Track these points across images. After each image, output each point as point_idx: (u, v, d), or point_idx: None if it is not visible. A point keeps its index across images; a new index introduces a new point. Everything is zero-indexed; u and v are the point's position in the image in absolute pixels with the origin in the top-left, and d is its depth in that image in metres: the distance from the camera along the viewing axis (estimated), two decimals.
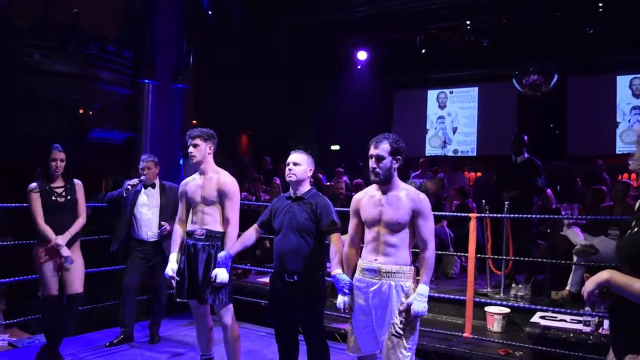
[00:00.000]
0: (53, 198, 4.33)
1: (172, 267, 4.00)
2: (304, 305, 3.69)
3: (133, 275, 5.09)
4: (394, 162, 3.28)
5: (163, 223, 5.06)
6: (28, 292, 6.21)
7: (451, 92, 14.20)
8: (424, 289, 3.19)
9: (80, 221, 4.46)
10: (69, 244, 4.31)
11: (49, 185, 4.35)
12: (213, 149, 4.05)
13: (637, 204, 1.97)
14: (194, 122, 10.70)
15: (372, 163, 3.28)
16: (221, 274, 3.79)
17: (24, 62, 9.36)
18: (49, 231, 4.25)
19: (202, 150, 3.99)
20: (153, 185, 5.17)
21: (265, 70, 12.31)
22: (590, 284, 1.79)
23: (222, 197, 3.94)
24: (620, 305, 1.77)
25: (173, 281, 4.00)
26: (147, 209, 5.10)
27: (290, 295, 3.68)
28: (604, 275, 1.75)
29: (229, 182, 3.97)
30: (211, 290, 3.87)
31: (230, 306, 3.99)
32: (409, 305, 3.15)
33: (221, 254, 3.83)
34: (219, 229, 3.98)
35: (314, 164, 3.83)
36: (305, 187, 3.76)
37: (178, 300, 5.59)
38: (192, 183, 4.09)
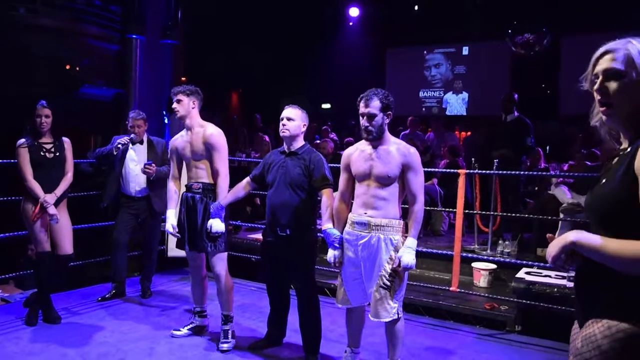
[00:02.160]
0: (42, 153, 4.30)
1: (171, 222, 4.11)
2: (295, 259, 3.75)
3: (123, 231, 5.11)
4: (385, 118, 3.28)
5: (150, 161, 5.02)
6: (19, 248, 6.24)
7: (444, 51, 14.07)
8: (412, 242, 3.25)
9: (68, 178, 4.43)
10: (56, 203, 4.30)
11: (37, 141, 4.31)
12: (197, 104, 4.09)
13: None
14: (183, 78, 10.58)
15: (364, 121, 3.28)
16: (216, 224, 3.85)
17: (8, 16, 9.14)
18: (37, 188, 4.23)
19: (185, 105, 4.04)
20: (141, 141, 5.15)
21: (256, 27, 12.11)
22: (554, 248, 1.59)
23: (209, 150, 3.98)
24: (586, 268, 1.61)
25: (174, 236, 4.12)
26: (135, 164, 5.09)
27: (283, 249, 3.74)
28: (570, 236, 1.55)
29: (215, 134, 3.99)
30: (208, 239, 3.95)
31: (224, 256, 4.06)
32: (399, 259, 3.21)
33: (213, 205, 3.89)
34: (212, 181, 4.03)
35: (308, 119, 3.84)
36: (299, 142, 3.78)
37: (169, 255, 5.70)
38: (180, 140, 4.16)
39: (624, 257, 1.46)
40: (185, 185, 4.15)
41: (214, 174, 4.00)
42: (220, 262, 4.04)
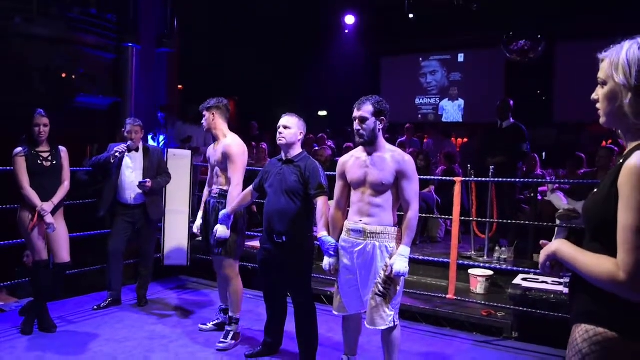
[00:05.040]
0: (39, 162, 4.30)
1: (197, 224, 4.51)
2: (291, 266, 3.75)
3: (118, 239, 5.09)
4: (378, 123, 3.30)
5: (146, 179, 5.06)
6: (14, 257, 6.21)
7: (439, 58, 14.13)
8: (405, 250, 3.25)
9: (65, 186, 4.44)
10: (53, 211, 4.30)
11: (34, 149, 4.31)
12: (217, 116, 4.37)
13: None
14: (180, 87, 10.58)
15: (356, 125, 3.33)
16: (220, 230, 4.08)
17: (4, 26, 9.14)
18: (34, 196, 4.23)
19: (207, 119, 4.40)
20: (137, 149, 5.15)
21: (252, 35, 12.14)
22: (541, 255, 1.73)
23: (226, 159, 4.25)
24: (574, 276, 1.68)
25: (198, 237, 4.56)
26: (131, 171, 5.09)
27: (279, 256, 3.74)
28: (552, 246, 1.69)
29: (232, 145, 4.26)
30: (216, 243, 4.19)
31: (232, 261, 4.30)
32: (391, 266, 3.21)
33: (221, 212, 4.11)
34: (228, 188, 4.28)
35: (305, 127, 3.87)
36: (296, 150, 3.81)
37: (166, 264, 5.70)
38: (211, 148, 4.52)
39: (589, 272, 1.56)
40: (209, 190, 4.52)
41: (228, 182, 4.27)
42: (229, 266, 4.29)
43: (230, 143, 4.26)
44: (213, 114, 4.35)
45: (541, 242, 1.80)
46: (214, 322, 4.64)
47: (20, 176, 4.24)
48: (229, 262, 4.27)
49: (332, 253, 3.45)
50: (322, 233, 3.53)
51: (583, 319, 1.64)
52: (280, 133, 3.77)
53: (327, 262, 3.48)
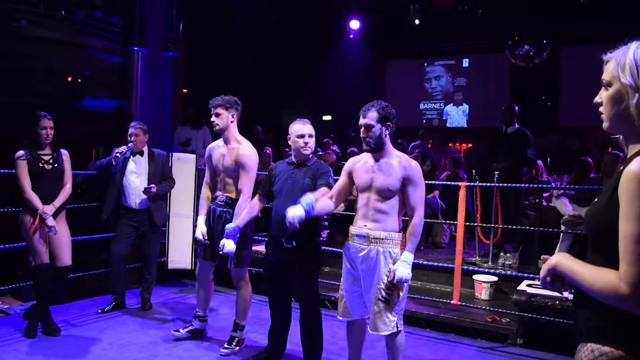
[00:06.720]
0: (40, 165, 4.30)
1: (201, 229, 4.18)
2: (300, 270, 3.74)
3: (121, 243, 5.07)
4: (384, 129, 3.29)
5: (151, 185, 5.04)
6: (17, 260, 6.22)
7: (444, 63, 14.11)
8: (408, 256, 3.24)
9: (67, 189, 4.43)
10: (55, 214, 4.30)
11: (36, 152, 4.32)
12: (236, 117, 4.13)
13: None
14: (185, 90, 10.59)
15: (362, 133, 3.32)
16: (228, 245, 3.88)
17: (10, 28, 9.18)
18: (35, 199, 4.22)
19: (224, 119, 4.09)
20: (141, 153, 5.13)
21: (257, 39, 12.15)
22: (542, 270, 1.67)
23: (239, 168, 4.03)
24: (578, 291, 1.61)
25: (203, 243, 4.20)
26: (136, 176, 5.07)
27: (287, 260, 3.73)
28: (553, 260, 1.62)
29: (247, 154, 4.04)
30: (223, 257, 4.02)
31: (242, 269, 4.16)
32: (394, 272, 3.20)
33: (229, 226, 3.91)
34: (237, 197, 4.09)
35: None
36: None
37: (170, 267, 5.68)
38: (216, 150, 4.20)
39: (590, 285, 1.49)
40: (212, 196, 4.26)
41: (238, 192, 4.07)
42: (240, 275, 4.17)
43: (245, 152, 4.03)
44: (233, 114, 4.10)
45: (542, 257, 1.74)
46: (188, 329, 4.47)
47: (22, 180, 4.25)
48: (241, 271, 4.16)
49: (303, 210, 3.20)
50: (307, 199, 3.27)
51: (588, 338, 1.57)
52: (306, 143, 3.71)
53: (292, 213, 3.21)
